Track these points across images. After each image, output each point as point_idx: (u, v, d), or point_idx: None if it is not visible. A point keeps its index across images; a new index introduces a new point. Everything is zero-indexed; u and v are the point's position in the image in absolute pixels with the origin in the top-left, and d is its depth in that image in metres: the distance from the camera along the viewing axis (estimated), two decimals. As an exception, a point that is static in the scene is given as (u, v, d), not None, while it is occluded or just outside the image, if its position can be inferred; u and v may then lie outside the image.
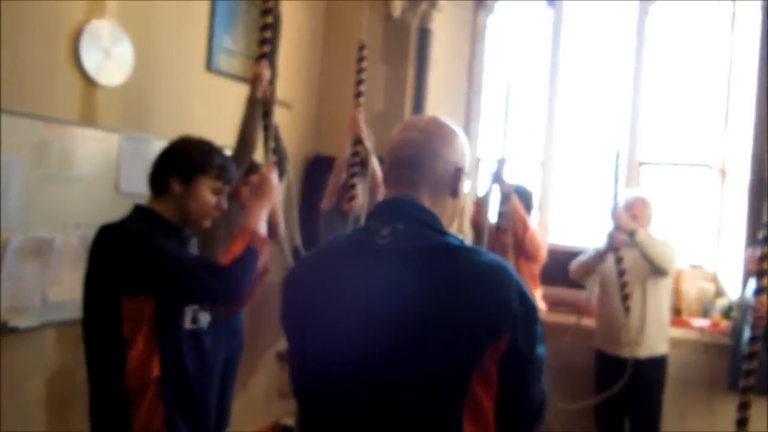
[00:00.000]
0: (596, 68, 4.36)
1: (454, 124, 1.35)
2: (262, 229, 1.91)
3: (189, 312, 1.83)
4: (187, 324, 1.82)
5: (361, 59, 2.99)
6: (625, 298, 3.19)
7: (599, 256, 3.38)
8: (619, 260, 3.21)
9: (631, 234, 3.18)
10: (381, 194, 2.21)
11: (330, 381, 1.22)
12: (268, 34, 2.53)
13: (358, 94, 2.99)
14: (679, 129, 4.17)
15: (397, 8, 4.28)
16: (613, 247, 3.24)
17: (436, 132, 1.30)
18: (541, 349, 1.23)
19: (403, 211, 1.25)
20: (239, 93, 3.68)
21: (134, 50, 2.96)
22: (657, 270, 3.22)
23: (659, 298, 3.30)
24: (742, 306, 3.50)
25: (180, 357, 1.77)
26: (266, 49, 2.56)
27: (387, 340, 1.15)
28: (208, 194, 1.86)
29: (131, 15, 2.95)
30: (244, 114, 2.67)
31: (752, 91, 3.66)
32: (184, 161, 1.85)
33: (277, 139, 2.74)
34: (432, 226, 1.23)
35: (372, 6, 4.22)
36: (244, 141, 2.67)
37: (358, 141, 3.06)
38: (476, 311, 1.13)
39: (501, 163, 3.15)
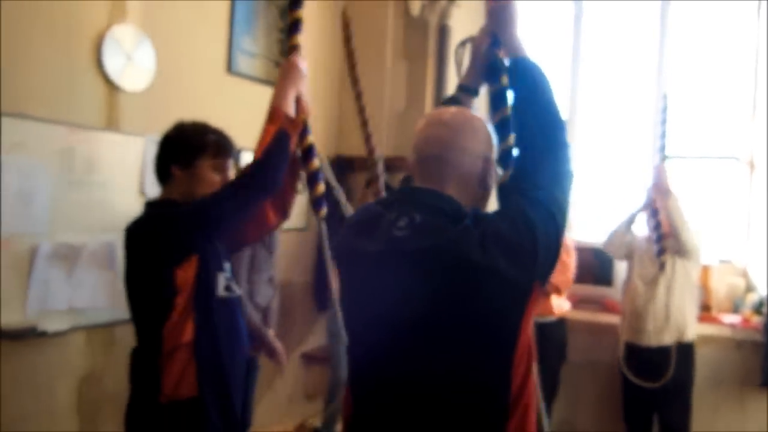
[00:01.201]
0: (619, 62, 4.29)
1: (478, 115, 1.33)
2: (290, 110, 1.92)
3: (222, 279, 1.85)
4: (221, 291, 1.84)
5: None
6: (660, 252, 3.16)
7: (633, 217, 3.40)
8: (655, 222, 3.19)
9: (666, 193, 3.18)
10: None
11: (369, 369, 1.25)
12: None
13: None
14: (706, 121, 4.09)
15: (416, 7, 4.25)
16: (649, 203, 3.24)
17: (461, 126, 1.28)
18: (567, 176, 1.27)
19: (421, 201, 1.24)
20: (260, 95, 3.71)
21: (156, 54, 2.97)
22: (679, 244, 3.17)
23: (685, 284, 3.25)
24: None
25: (212, 322, 1.79)
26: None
27: (409, 342, 1.17)
28: (210, 173, 1.86)
29: (152, 19, 2.97)
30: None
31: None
32: (179, 147, 1.87)
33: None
34: (452, 214, 1.21)
35: (391, 5, 4.21)
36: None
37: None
38: (501, 300, 1.15)
39: None
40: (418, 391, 1.17)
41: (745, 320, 3.61)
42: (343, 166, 4.07)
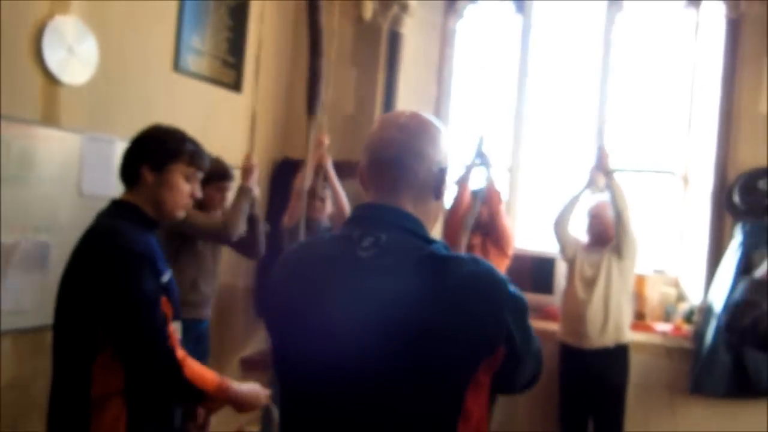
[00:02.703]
0: (564, 74, 4.41)
1: (436, 120, 1.28)
2: None
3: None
4: None
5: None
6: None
7: (577, 197, 3.51)
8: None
9: (609, 175, 3.35)
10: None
11: (314, 397, 1.17)
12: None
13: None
14: (645, 137, 4.24)
15: (368, 11, 4.27)
16: (592, 182, 3.43)
17: (419, 129, 1.22)
18: (535, 340, 1.21)
19: (385, 220, 1.18)
20: (207, 94, 3.66)
21: (99, 48, 2.88)
22: (620, 226, 3.31)
23: (622, 287, 3.36)
24: (704, 310, 3.58)
25: None
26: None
27: (374, 361, 1.09)
28: (181, 181, 1.80)
29: (97, 12, 2.88)
30: None
31: (714, 99, 3.74)
32: (154, 149, 1.79)
33: None
34: (416, 233, 1.17)
35: (343, 8, 4.21)
36: None
37: (320, 167, 3.14)
38: (468, 327, 1.09)
39: (481, 140, 3.50)
40: (379, 410, 1.11)
41: (676, 328, 3.75)
42: (288, 169, 4.04)
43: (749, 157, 3.53)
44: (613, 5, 4.19)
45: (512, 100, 4.41)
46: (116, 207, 1.79)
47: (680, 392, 3.60)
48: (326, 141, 3.48)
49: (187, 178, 1.82)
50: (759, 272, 3.18)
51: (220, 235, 2.94)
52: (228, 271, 3.70)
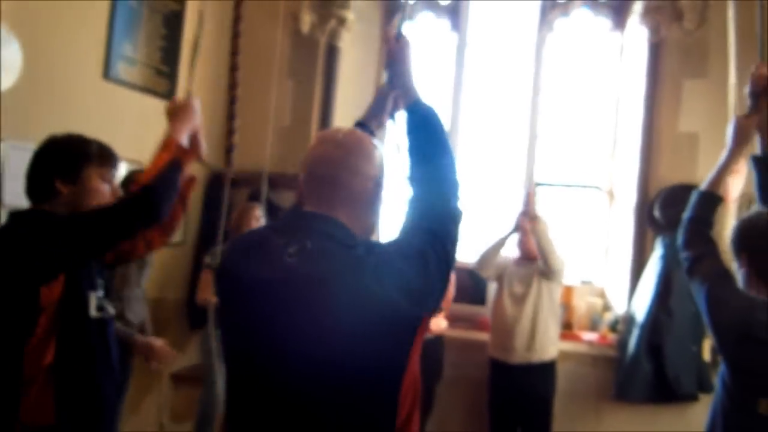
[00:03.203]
0: (497, 91, 4.53)
1: (371, 138, 1.34)
2: (184, 143, 1.94)
3: (94, 299, 1.75)
4: (93, 312, 1.74)
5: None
6: None
7: (503, 241, 3.57)
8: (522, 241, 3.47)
9: (535, 219, 3.40)
10: None
11: (260, 394, 1.20)
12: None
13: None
14: (573, 153, 4.40)
15: (306, 24, 4.28)
16: (518, 227, 3.48)
17: (355, 146, 1.28)
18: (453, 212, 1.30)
19: (312, 227, 1.22)
20: (139, 103, 3.57)
21: (23, 53, 2.78)
22: (546, 266, 3.39)
23: (550, 305, 3.46)
24: (627, 320, 3.73)
25: (80, 344, 1.69)
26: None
27: (296, 371, 1.14)
28: (98, 183, 1.78)
29: (22, 16, 2.78)
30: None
31: (637, 119, 3.93)
32: (62, 158, 1.75)
33: None
34: (343, 241, 1.21)
35: (281, 22, 4.20)
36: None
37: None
38: (391, 329, 1.14)
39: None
40: (302, 425, 1.15)
41: (602, 337, 3.90)
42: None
43: (669, 174, 3.72)
44: (544, 25, 4.35)
45: (447, 114, 4.50)
46: (17, 218, 1.74)
47: (605, 398, 3.73)
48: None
49: (103, 178, 1.79)
50: None
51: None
52: (156, 284, 3.62)
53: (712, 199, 1.87)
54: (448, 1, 4.50)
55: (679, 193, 3.34)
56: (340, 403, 1.13)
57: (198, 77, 3.69)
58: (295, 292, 1.15)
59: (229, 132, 2.66)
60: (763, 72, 1.88)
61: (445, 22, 4.52)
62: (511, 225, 3.56)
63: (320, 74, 4.32)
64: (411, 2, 4.48)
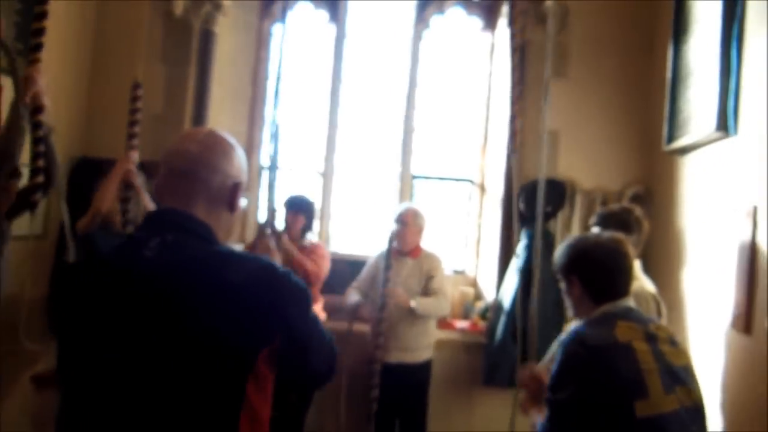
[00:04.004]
0: (375, 84, 4.59)
1: (232, 139, 1.36)
2: None
3: None
4: None
5: (135, 98, 2.77)
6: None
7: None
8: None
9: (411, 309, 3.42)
10: None
11: (99, 397, 1.18)
12: (41, 39, 2.28)
13: (131, 136, 2.78)
14: (447, 147, 4.55)
15: (179, 7, 4.10)
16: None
17: (215, 145, 1.31)
18: (321, 331, 1.31)
19: (173, 222, 1.24)
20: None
21: None
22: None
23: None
24: (495, 307, 3.92)
25: None
26: (39, 56, 2.33)
27: (157, 357, 1.14)
28: None
29: None
30: (8, 118, 2.38)
31: (505, 116, 4.12)
32: None
33: (48, 146, 2.48)
34: (203, 236, 1.24)
35: (150, 3, 4.01)
36: (6, 148, 2.37)
37: (129, 186, 2.90)
38: (245, 320, 1.16)
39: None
40: (162, 407, 1.15)
41: (473, 325, 4.07)
42: (88, 169, 3.75)
43: (533, 168, 3.94)
44: (420, 22, 4.44)
45: (325, 106, 4.49)
46: None
47: (477, 384, 3.90)
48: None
49: None
50: None
51: None
52: (14, 279, 3.34)
53: None
54: (328, -8, 4.49)
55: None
56: (186, 389, 1.15)
57: (55, 58, 3.47)
58: (155, 284, 1.17)
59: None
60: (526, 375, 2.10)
61: (323, 14, 4.50)
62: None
63: (194, 60, 4.16)
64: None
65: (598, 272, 1.86)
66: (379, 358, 3.46)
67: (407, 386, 3.50)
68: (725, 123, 2.69)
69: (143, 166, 3.44)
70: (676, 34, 3.35)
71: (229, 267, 1.18)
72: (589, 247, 1.91)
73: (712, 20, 2.85)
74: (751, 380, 2.46)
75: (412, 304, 3.41)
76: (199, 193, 1.27)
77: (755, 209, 2.46)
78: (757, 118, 2.52)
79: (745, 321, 2.47)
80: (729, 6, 2.72)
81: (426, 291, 3.50)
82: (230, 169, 1.30)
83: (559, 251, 1.98)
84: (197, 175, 1.27)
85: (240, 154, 1.34)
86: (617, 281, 1.86)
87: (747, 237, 2.50)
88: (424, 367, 3.57)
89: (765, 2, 2.50)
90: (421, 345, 3.54)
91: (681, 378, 1.73)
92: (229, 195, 1.30)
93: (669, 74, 3.38)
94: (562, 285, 1.96)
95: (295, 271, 3.41)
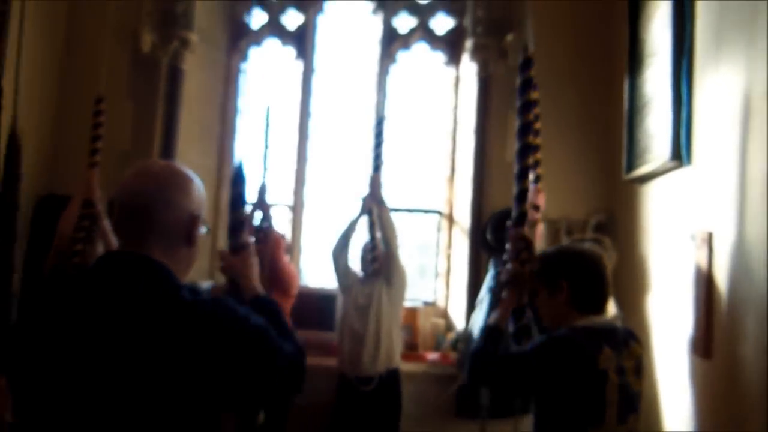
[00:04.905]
0: (344, 117, 4.64)
1: (189, 171, 1.33)
2: None
3: None
4: None
5: (98, 113, 2.79)
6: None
7: (353, 224, 3.65)
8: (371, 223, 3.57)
9: (381, 202, 3.52)
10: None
11: None
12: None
13: (93, 152, 2.78)
14: (416, 179, 4.60)
15: (147, 43, 4.14)
16: (365, 209, 3.55)
17: (170, 179, 1.27)
18: (281, 357, 1.25)
19: (130, 268, 1.20)
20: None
21: None
22: (388, 257, 3.50)
23: (392, 313, 3.55)
24: (465, 338, 3.92)
25: None
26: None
27: (118, 409, 1.12)
28: None
29: None
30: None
31: (470, 148, 4.19)
32: None
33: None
34: (163, 282, 1.20)
35: (119, 38, 4.03)
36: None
37: (88, 204, 2.85)
38: (207, 362, 1.15)
39: (263, 189, 3.43)
40: None
41: (444, 356, 4.07)
42: (55, 206, 3.71)
43: (499, 200, 4.00)
44: (386, 57, 4.52)
45: (294, 140, 4.52)
46: None
47: (448, 416, 3.87)
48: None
49: None
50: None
51: None
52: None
53: (499, 334, 1.94)
54: (294, 27, 4.55)
55: (507, 217, 3.58)
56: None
57: (22, 90, 3.46)
58: (109, 334, 1.14)
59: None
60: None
61: (290, 50, 4.56)
62: (359, 208, 3.63)
63: (162, 96, 4.18)
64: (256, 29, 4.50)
65: (590, 280, 1.83)
66: (348, 373, 3.50)
67: (378, 399, 3.47)
68: (679, 153, 2.76)
69: (110, 204, 3.43)
70: (632, 67, 3.46)
71: (187, 315, 1.16)
72: (584, 253, 1.88)
73: (664, 54, 2.95)
74: (711, 404, 2.49)
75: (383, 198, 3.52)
76: (154, 231, 1.23)
77: (710, 236, 2.52)
78: (709, 147, 2.60)
79: (705, 345, 2.51)
80: (678, 40, 2.82)
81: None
82: (187, 203, 1.27)
83: (546, 255, 1.94)
84: (152, 212, 1.23)
85: (197, 186, 1.31)
86: (604, 293, 1.85)
87: (704, 263, 2.55)
88: (394, 375, 3.55)
89: (714, 37, 2.61)
90: (391, 352, 3.53)
91: (635, 406, 1.76)
92: (186, 229, 1.27)
93: (626, 105, 3.48)
94: (543, 292, 1.89)
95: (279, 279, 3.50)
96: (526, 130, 2.12)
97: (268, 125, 3.26)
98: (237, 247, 1.66)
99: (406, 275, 3.60)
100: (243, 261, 1.61)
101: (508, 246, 2.08)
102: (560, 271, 1.85)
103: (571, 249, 1.93)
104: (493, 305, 3.64)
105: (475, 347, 1.93)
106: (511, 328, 2.02)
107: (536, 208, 2.50)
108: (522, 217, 2.11)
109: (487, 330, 1.94)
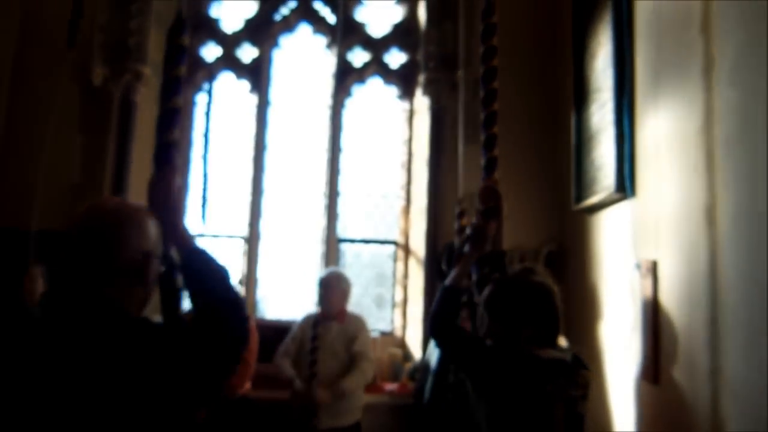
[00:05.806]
0: (299, 150, 4.67)
1: (143, 209, 1.33)
2: None
3: None
4: None
5: None
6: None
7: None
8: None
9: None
10: None
11: None
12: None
13: None
14: (372, 209, 4.64)
15: (99, 76, 4.10)
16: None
17: (123, 217, 1.26)
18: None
19: (83, 306, 1.19)
20: None
21: None
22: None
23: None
24: (423, 367, 3.94)
25: None
26: None
27: None
28: None
29: None
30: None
31: (424, 179, 4.26)
32: None
33: None
34: (114, 319, 1.19)
35: (70, 71, 3.99)
36: None
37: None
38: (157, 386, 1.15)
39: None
40: None
41: (402, 386, 4.07)
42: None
43: (453, 231, 4.05)
44: (341, 90, 4.59)
45: (249, 172, 4.52)
46: None
47: (407, 447, 3.87)
48: None
49: None
50: None
51: None
52: None
53: (457, 294, 1.99)
54: (249, 60, 4.58)
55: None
56: None
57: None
58: (68, 369, 1.13)
59: None
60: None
61: (245, 84, 4.58)
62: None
63: (114, 129, 4.14)
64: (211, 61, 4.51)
65: (553, 315, 1.88)
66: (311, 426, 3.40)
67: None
68: (623, 185, 2.87)
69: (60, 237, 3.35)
70: (578, 102, 3.59)
71: (136, 344, 1.17)
72: (547, 288, 1.91)
73: (607, 91, 3.08)
74: (661, 429, 2.56)
75: (341, 388, 3.39)
76: (107, 269, 1.22)
77: (655, 264, 2.62)
78: (651, 179, 2.71)
79: (653, 372, 2.58)
80: (620, 78, 2.95)
81: (350, 354, 3.50)
82: (141, 241, 1.26)
83: (501, 288, 1.96)
84: (104, 249, 1.23)
85: (152, 225, 1.30)
86: (558, 328, 1.90)
87: (649, 291, 2.65)
88: (356, 428, 3.52)
89: (652, 74, 2.74)
90: (351, 408, 3.50)
91: (581, 428, 1.81)
92: (139, 267, 1.26)
93: (573, 139, 3.60)
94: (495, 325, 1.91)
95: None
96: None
97: (207, 153, 3.20)
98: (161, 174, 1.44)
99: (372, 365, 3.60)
100: (167, 188, 1.39)
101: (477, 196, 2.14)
102: (524, 308, 1.89)
103: (538, 283, 1.95)
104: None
105: (432, 309, 1.97)
106: (474, 277, 2.07)
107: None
108: (492, 163, 2.16)
109: (444, 291, 1.98)
